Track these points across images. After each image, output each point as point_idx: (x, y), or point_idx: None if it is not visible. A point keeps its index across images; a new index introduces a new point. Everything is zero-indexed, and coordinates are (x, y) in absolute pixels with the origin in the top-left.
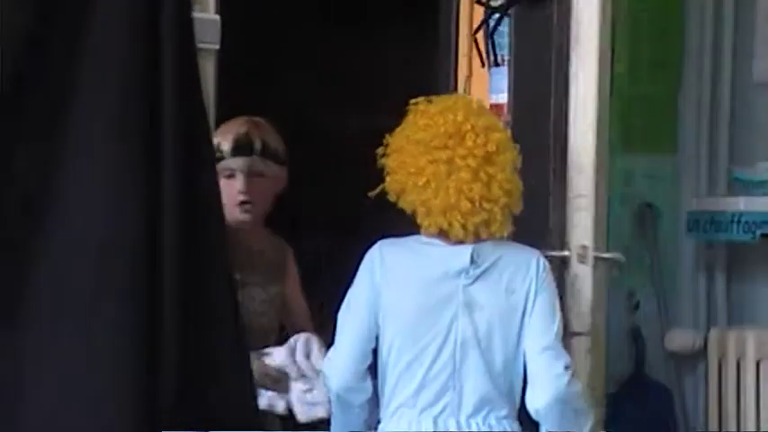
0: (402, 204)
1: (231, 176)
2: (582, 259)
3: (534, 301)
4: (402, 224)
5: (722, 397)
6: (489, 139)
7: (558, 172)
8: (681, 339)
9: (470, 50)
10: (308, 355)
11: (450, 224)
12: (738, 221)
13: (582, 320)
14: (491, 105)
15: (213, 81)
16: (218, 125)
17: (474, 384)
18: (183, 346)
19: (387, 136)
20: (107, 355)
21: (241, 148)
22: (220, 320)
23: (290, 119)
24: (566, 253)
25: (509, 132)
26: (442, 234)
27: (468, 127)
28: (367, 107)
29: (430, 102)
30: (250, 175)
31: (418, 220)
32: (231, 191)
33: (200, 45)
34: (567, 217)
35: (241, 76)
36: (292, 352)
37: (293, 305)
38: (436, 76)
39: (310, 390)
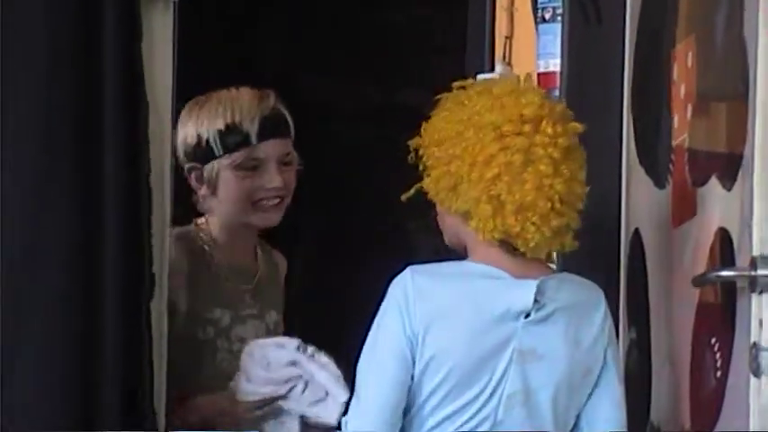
0: (450, 205)
1: (254, 169)
2: None
3: (604, 365)
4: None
5: None
6: (567, 129)
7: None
8: None
9: (511, 3)
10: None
11: (522, 228)
12: None
13: None
14: (539, 75)
15: (173, 39)
16: (182, 97)
17: None
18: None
19: (423, 123)
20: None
21: (272, 126)
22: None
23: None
24: (761, 272)
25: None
26: (497, 253)
27: (546, 111)
28: (380, 79)
29: (483, 83)
30: (281, 162)
31: (474, 224)
32: (249, 186)
33: None
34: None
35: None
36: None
37: None
38: (464, 38)
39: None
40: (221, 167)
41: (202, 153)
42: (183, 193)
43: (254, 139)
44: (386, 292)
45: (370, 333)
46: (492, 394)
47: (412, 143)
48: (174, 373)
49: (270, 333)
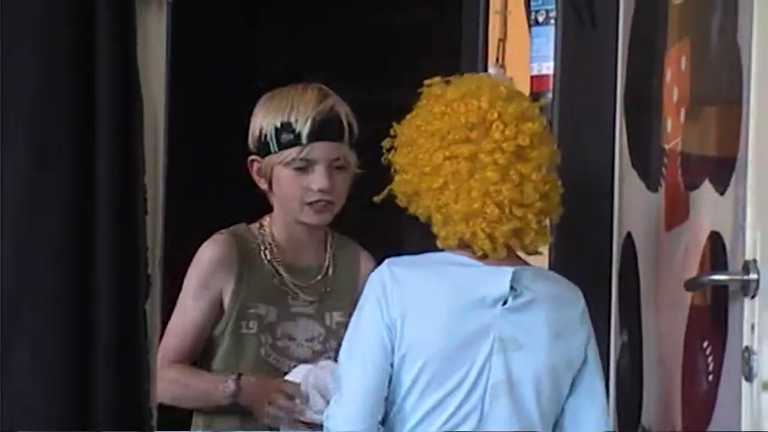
0: (414, 210)
1: (303, 169)
2: None
3: (585, 357)
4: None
5: None
6: (521, 131)
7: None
8: None
9: (505, 5)
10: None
11: (473, 234)
12: None
13: None
14: (531, 78)
15: (167, 39)
16: (177, 97)
17: None
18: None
19: (394, 125)
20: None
21: (325, 129)
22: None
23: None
24: (753, 276)
25: (545, 122)
26: (467, 249)
27: (495, 115)
28: (370, 80)
29: (448, 83)
30: (332, 166)
31: (434, 230)
32: (300, 186)
33: None
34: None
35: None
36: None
37: None
38: (459, 41)
39: None
40: (275, 163)
41: (262, 146)
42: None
43: (304, 139)
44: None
45: (350, 324)
46: (475, 384)
47: (384, 143)
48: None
49: (330, 334)
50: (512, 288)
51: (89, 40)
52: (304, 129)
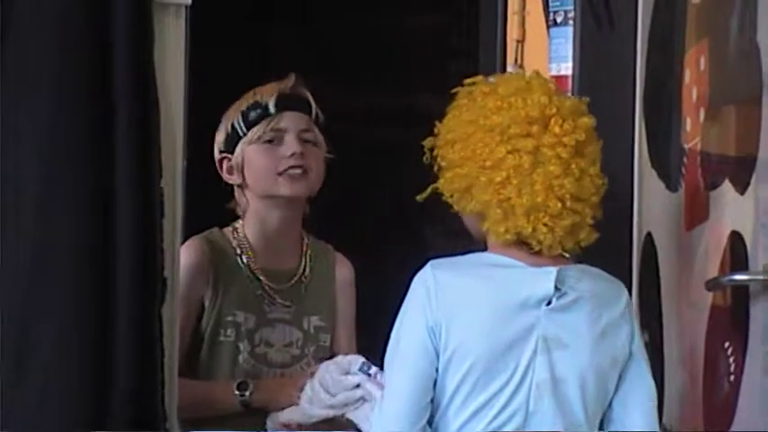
0: (464, 206)
1: (272, 141)
2: None
3: (631, 352)
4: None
5: None
6: (578, 126)
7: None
8: None
9: (523, 6)
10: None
11: (534, 228)
12: None
13: None
14: (550, 78)
15: (185, 44)
16: (194, 99)
17: None
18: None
19: (437, 123)
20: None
21: (291, 100)
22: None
23: None
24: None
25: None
26: (514, 248)
27: (554, 110)
28: (392, 82)
29: (491, 82)
30: (301, 137)
31: (487, 226)
32: (271, 158)
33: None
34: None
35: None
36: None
37: (339, 352)
38: (477, 42)
39: None
40: (245, 148)
41: (231, 139)
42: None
43: (272, 108)
44: (408, 289)
45: (394, 329)
46: (520, 384)
47: (426, 143)
48: (193, 370)
49: (309, 338)
50: (556, 288)
51: (106, 44)
52: (270, 100)
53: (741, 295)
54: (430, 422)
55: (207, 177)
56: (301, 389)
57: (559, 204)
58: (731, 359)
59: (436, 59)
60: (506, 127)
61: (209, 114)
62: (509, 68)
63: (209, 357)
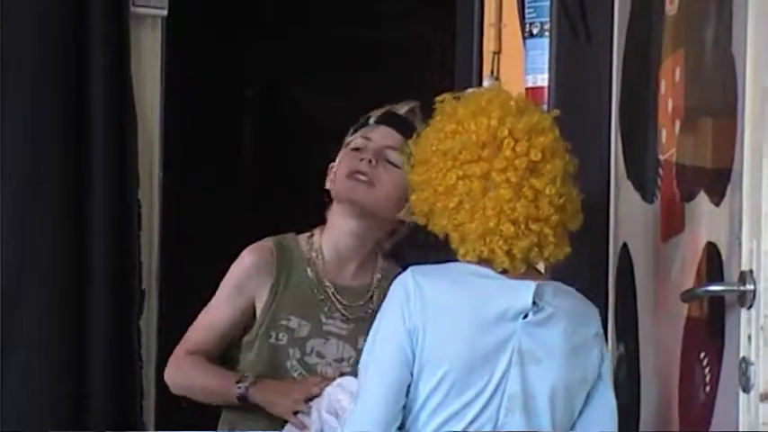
0: (432, 228)
1: (359, 149)
2: None
3: (598, 377)
4: None
5: None
6: (533, 145)
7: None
8: None
9: (499, 18)
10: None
11: (492, 251)
12: None
13: None
14: (526, 90)
15: (161, 55)
16: (169, 108)
17: None
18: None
19: (408, 143)
20: None
21: (394, 119)
22: None
23: (270, 101)
24: (749, 287)
25: (557, 132)
26: (487, 263)
27: (505, 132)
28: (363, 95)
29: (458, 99)
30: (380, 152)
31: (453, 246)
32: (349, 162)
33: (144, 11)
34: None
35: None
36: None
37: None
38: (453, 54)
39: None
40: (341, 153)
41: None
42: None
43: (372, 120)
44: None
45: (371, 331)
46: (492, 395)
47: (410, 160)
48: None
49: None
50: (534, 302)
51: (82, 56)
52: (375, 114)
53: (716, 306)
54: (401, 427)
55: (185, 189)
56: (310, 399)
57: (512, 227)
58: (707, 370)
59: (412, 71)
60: (458, 152)
61: (186, 125)
62: (485, 81)
63: (259, 358)
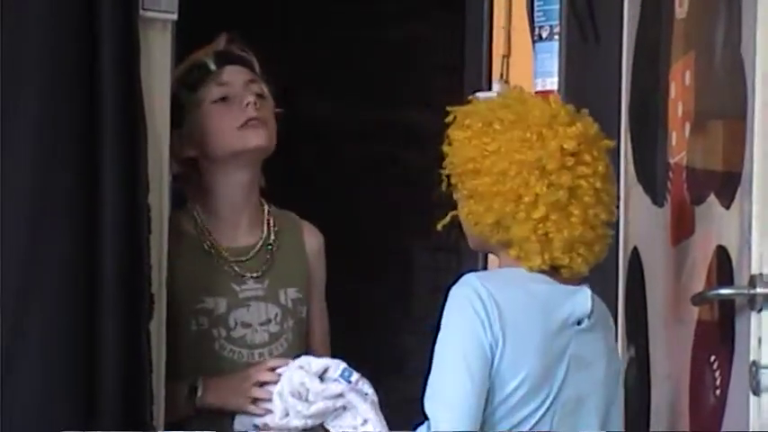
0: (490, 236)
1: (221, 100)
2: None
3: (617, 376)
4: None
5: None
6: (599, 150)
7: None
8: None
9: (509, 21)
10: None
11: (570, 259)
12: None
13: None
14: (536, 94)
15: (171, 59)
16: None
17: None
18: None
19: (447, 150)
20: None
21: (230, 56)
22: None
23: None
24: (759, 290)
25: None
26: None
27: (583, 139)
28: (373, 97)
29: (507, 106)
30: (250, 89)
31: (515, 254)
32: (228, 114)
33: (154, 14)
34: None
35: None
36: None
37: (313, 325)
38: (462, 57)
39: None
40: (195, 112)
41: (177, 114)
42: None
43: (212, 65)
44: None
45: (441, 348)
46: (552, 403)
47: (444, 171)
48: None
49: (287, 312)
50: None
51: (92, 59)
52: (209, 59)
53: (727, 309)
54: None
55: None
56: (260, 384)
57: (592, 233)
58: (717, 373)
59: (420, 73)
60: (543, 163)
61: None
62: (494, 84)
63: (187, 352)
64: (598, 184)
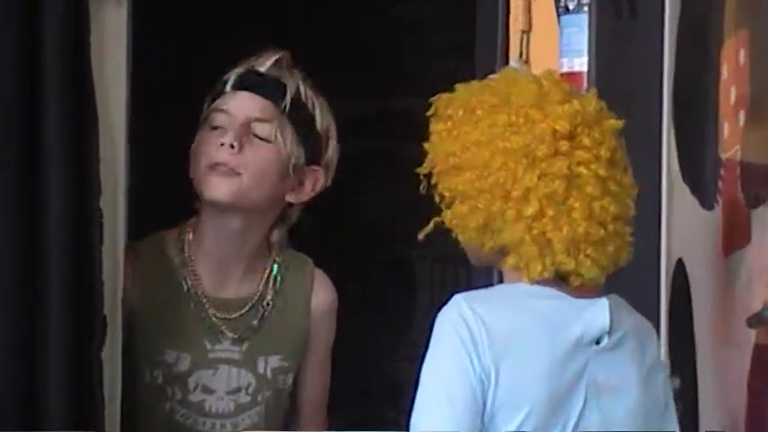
0: (481, 242)
1: (218, 128)
2: None
3: (665, 406)
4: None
5: None
6: (605, 131)
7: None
8: None
9: None
10: None
11: (578, 263)
12: None
13: None
14: (561, 76)
15: (127, 40)
16: (138, 107)
17: None
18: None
19: (425, 145)
20: None
21: (256, 81)
22: None
23: None
24: None
25: None
26: (552, 281)
27: (579, 118)
28: (376, 83)
29: (491, 87)
30: (244, 129)
31: (513, 262)
32: (205, 143)
33: None
34: None
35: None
36: None
37: (305, 386)
38: (474, 33)
39: None
40: (200, 130)
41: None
42: None
43: (228, 86)
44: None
45: (426, 377)
46: None
47: (421, 169)
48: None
49: (263, 384)
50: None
51: (34, 39)
52: (233, 76)
53: None
54: None
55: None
56: None
57: (602, 230)
58: None
59: (424, 56)
60: (532, 149)
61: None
62: (512, 64)
63: (138, 404)
64: (602, 172)
